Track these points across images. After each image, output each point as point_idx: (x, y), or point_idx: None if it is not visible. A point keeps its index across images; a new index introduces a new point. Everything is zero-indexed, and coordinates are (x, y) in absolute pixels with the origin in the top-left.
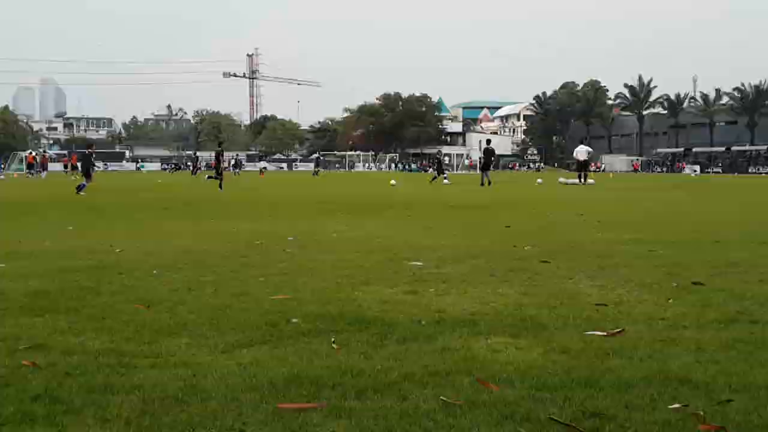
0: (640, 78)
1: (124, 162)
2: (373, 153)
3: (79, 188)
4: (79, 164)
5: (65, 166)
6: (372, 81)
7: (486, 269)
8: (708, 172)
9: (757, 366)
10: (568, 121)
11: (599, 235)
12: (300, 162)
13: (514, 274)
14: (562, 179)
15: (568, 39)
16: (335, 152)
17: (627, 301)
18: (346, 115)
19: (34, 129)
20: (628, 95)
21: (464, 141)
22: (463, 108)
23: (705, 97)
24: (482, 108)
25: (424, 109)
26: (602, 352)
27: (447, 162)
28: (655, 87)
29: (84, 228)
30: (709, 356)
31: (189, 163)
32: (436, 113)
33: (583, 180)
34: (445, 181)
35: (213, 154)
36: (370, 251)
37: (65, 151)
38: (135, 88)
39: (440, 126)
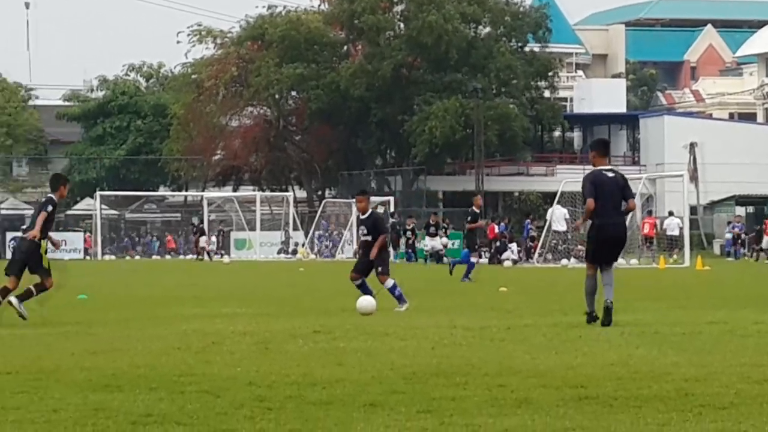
0: None
1: None
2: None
3: None
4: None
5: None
6: None
7: None
8: None
9: None
10: None
11: None
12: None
13: None
14: None
15: None
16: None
17: None
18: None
19: None
20: None
21: (633, 143)
22: (628, 27)
23: None
24: (700, 28)
25: (480, 29)
26: None
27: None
28: None
29: None
30: None
31: None
32: (536, 44)
33: None
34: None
35: None
36: None
37: None
38: None
39: (550, 93)
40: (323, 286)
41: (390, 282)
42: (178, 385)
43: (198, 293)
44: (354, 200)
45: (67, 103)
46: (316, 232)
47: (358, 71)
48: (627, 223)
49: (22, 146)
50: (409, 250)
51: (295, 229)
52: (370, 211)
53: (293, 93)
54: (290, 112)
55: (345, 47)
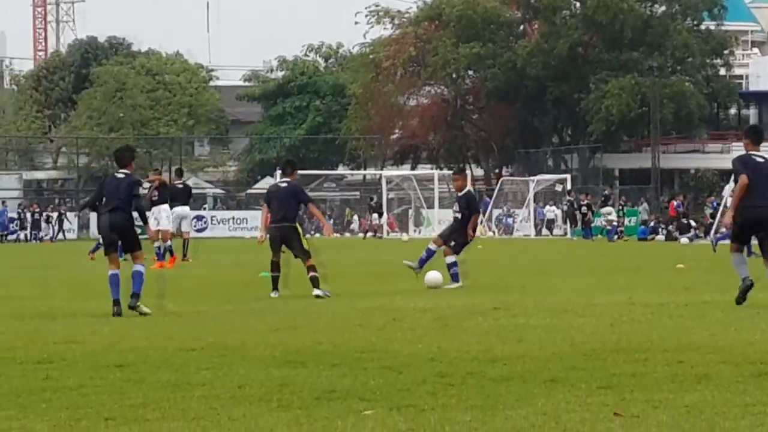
0: None
1: None
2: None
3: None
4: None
5: None
6: None
7: None
8: None
9: None
10: None
11: None
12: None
13: None
14: None
15: None
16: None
17: None
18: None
19: None
20: None
21: None
22: None
23: None
24: None
25: (656, 7)
26: None
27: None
28: None
29: None
30: None
31: None
32: (712, 22)
33: None
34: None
35: None
36: None
37: None
38: None
39: (726, 70)
40: (502, 264)
41: (451, 258)
42: (361, 362)
43: (377, 270)
44: (530, 178)
45: (247, 84)
46: (494, 210)
47: (534, 50)
48: None
49: (204, 126)
50: (585, 227)
51: None
52: (466, 189)
53: (470, 72)
54: (467, 91)
55: (521, 26)
